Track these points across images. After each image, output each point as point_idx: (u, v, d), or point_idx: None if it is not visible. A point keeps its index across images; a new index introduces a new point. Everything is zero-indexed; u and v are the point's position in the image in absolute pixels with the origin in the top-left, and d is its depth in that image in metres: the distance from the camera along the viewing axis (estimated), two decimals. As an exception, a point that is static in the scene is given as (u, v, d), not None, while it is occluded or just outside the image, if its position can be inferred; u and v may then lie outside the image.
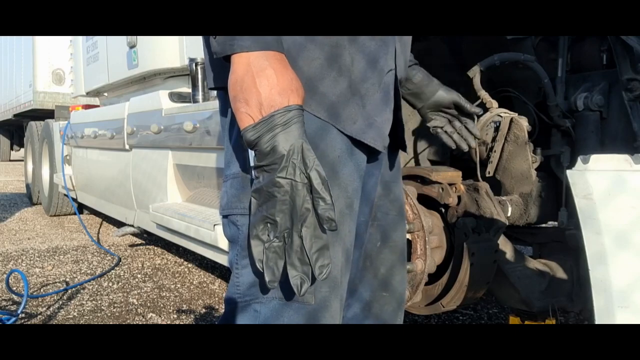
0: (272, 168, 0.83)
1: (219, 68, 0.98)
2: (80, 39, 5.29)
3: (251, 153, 0.90)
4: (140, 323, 2.82)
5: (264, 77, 0.83)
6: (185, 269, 3.89)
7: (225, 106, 1.02)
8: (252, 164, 0.90)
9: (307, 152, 0.84)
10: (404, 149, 1.19)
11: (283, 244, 0.84)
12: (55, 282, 3.56)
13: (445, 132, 1.34)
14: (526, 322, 1.98)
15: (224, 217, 1.00)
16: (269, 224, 0.85)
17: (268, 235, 0.85)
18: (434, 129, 1.35)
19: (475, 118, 1.37)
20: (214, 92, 2.68)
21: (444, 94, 1.30)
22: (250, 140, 0.83)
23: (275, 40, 0.85)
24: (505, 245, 1.91)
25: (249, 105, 0.83)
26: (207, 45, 0.99)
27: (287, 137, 0.82)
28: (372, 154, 1.03)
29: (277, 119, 0.82)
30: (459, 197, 1.83)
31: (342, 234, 0.98)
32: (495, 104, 1.88)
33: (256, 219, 0.85)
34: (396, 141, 1.14)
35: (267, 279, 0.84)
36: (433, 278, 1.85)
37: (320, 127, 0.94)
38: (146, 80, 4.09)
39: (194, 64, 2.93)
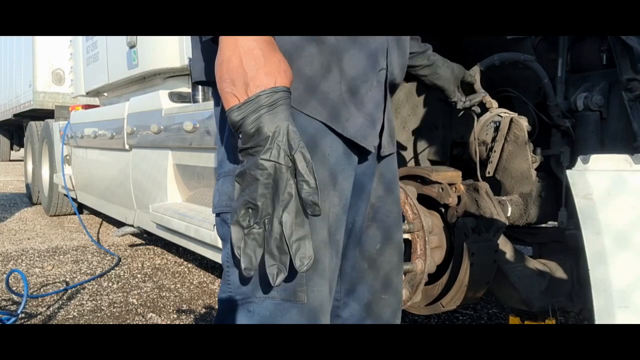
0: (256, 150, 0.81)
1: (208, 61, 0.97)
2: (80, 39, 5.29)
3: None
4: (140, 323, 2.82)
5: (252, 57, 0.81)
6: (185, 269, 3.89)
7: (218, 104, 1.02)
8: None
9: (293, 134, 0.81)
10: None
11: (263, 231, 0.82)
12: (55, 282, 3.56)
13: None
14: (526, 322, 1.98)
15: (217, 215, 0.99)
16: (250, 210, 0.82)
17: (249, 221, 0.82)
18: (462, 104, 1.66)
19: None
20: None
21: (461, 70, 1.59)
22: (234, 121, 0.81)
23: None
24: (505, 245, 1.91)
25: (235, 85, 0.81)
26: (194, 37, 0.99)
27: (272, 118, 0.80)
28: (363, 153, 1.03)
29: (263, 99, 0.80)
30: (459, 197, 1.83)
31: (336, 238, 0.97)
32: (495, 104, 1.88)
33: (238, 204, 0.83)
34: (391, 142, 1.14)
35: (243, 266, 0.82)
36: (433, 278, 1.85)
37: (318, 129, 0.93)
38: (146, 80, 4.09)
39: (193, 64, 2.93)
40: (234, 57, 0.81)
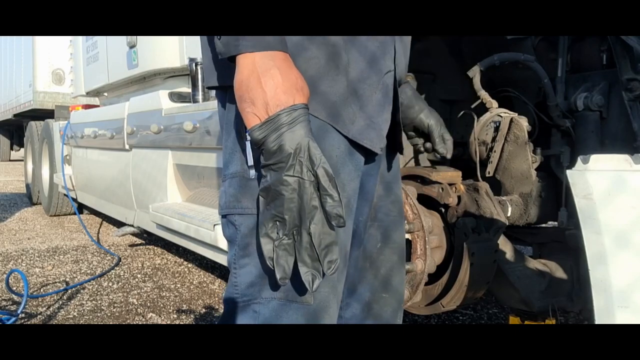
0: (279, 167, 0.84)
1: (218, 67, 0.98)
2: (80, 39, 5.29)
3: (249, 152, 0.90)
4: (140, 323, 2.82)
5: (269, 76, 0.83)
6: (185, 269, 3.89)
7: (224, 106, 1.02)
8: (249, 163, 0.90)
9: (314, 150, 0.84)
10: (401, 152, 1.19)
11: (292, 242, 0.85)
12: (55, 282, 3.55)
13: (424, 147, 1.28)
14: (526, 322, 1.98)
15: (223, 217, 1.00)
16: (277, 222, 0.85)
17: (277, 233, 0.85)
18: (414, 146, 1.31)
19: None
20: (214, 92, 2.67)
21: (423, 119, 1.24)
22: (257, 139, 0.84)
23: (279, 41, 0.86)
24: (505, 245, 1.91)
25: (255, 105, 0.83)
26: (209, 43, 1.00)
27: (293, 135, 0.83)
28: (369, 154, 1.03)
29: (283, 118, 0.83)
30: (459, 197, 1.83)
31: (340, 235, 0.98)
32: (495, 104, 1.88)
33: (265, 217, 0.86)
34: (394, 142, 1.14)
35: (278, 276, 0.85)
36: (433, 278, 1.85)
37: (320, 127, 0.94)
38: (146, 80, 4.09)
39: (194, 64, 2.93)
40: (252, 77, 0.84)
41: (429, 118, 1.25)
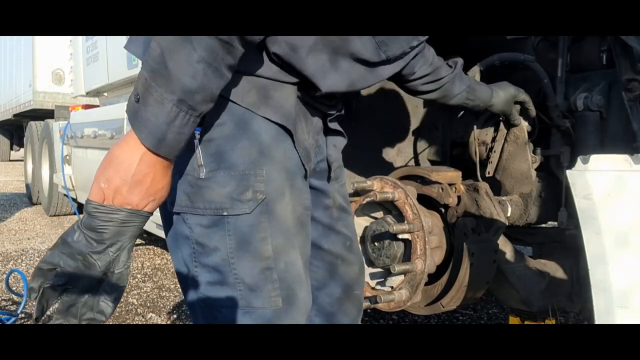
0: (90, 243, 0.86)
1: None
2: (80, 38, 5.29)
3: (199, 152, 0.92)
4: (140, 323, 2.81)
5: (139, 183, 0.83)
6: (185, 269, 3.89)
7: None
8: (200, 162, 0.92)
9: (126, 254, 0.87)
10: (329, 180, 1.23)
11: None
12: (55, 282, 3.55)
13: None
14: (526, 322, 1.98)
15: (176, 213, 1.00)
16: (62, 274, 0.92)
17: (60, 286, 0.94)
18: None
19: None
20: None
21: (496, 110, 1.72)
22: (89, 212, 0.85)
23: (171, 143, 0.83)
24: (505, 245, 1.91)
25: (109, 185, 0.83)
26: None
27: (119, 232, 0.85)
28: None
29: (121, 215, 0.84)
30: (459, 197, 1.83)
31: (300, 238, 1.04)
32: (495, 104, 1.87)
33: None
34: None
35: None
36: (433, 278, 1.85)
37: (274, 136, 0.98)
38: (146, 80, 4.08)
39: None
40: (128, 167, 0.83)
41: (498, 108, 1.68)
